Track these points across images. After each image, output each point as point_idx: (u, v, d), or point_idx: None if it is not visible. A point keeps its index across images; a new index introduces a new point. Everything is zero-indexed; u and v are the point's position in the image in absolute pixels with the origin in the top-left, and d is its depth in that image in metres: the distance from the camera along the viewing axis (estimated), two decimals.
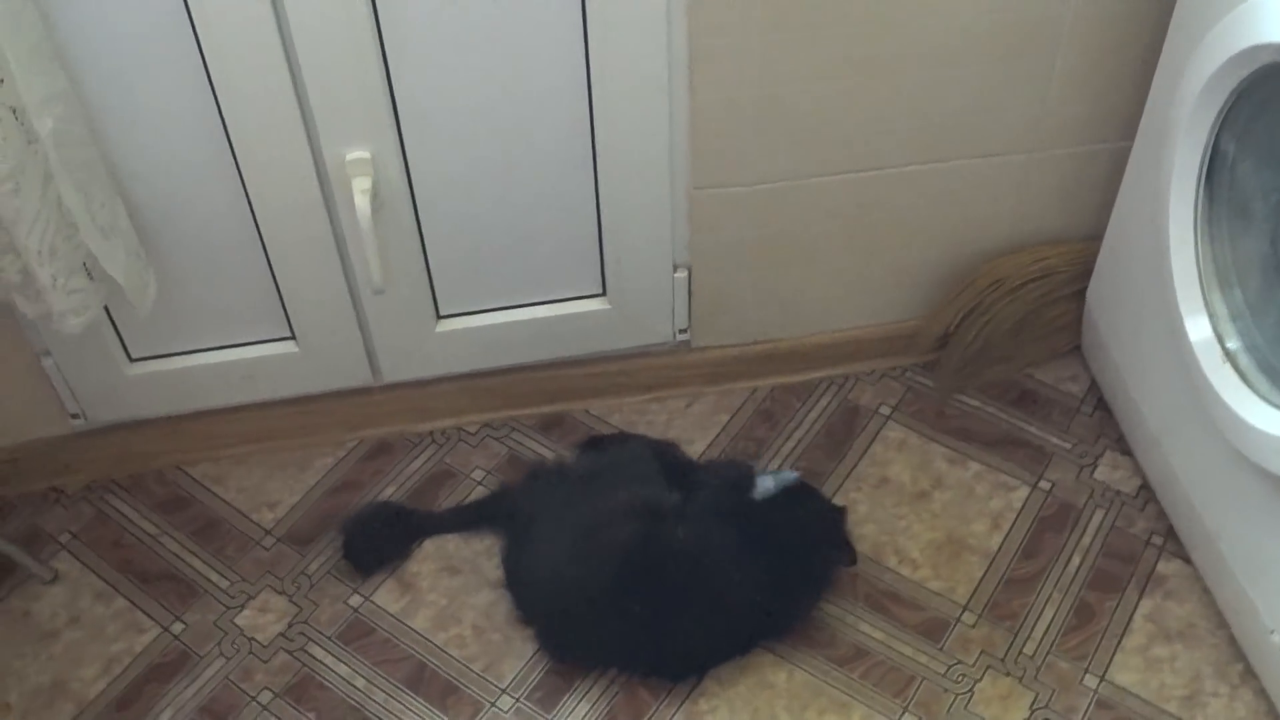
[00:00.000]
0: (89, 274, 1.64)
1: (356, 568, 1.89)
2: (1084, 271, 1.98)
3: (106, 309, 1.82)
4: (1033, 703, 1.73)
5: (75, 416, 1.96)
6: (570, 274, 1.92)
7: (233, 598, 1.88)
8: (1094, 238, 1.94)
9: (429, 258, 1.85)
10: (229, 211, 1.74)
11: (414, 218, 1.80)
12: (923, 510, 1.93)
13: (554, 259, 1.90)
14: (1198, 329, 1.62)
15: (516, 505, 1.85)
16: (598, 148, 1.75)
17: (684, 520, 1.75)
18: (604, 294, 1.96)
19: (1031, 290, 1.97)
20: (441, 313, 1.93)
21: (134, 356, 1.91)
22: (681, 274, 1.94)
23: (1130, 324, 1.88)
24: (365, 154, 1.69)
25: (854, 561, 1.81)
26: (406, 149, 1.72)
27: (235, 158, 1.68)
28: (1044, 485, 1.96)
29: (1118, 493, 1.94)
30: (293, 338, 1.91)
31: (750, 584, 1.71)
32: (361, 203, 1.69)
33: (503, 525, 1.86)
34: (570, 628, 1.75)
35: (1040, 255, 1.98)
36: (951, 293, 2.00)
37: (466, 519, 1.92)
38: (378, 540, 1.90)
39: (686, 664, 1.74)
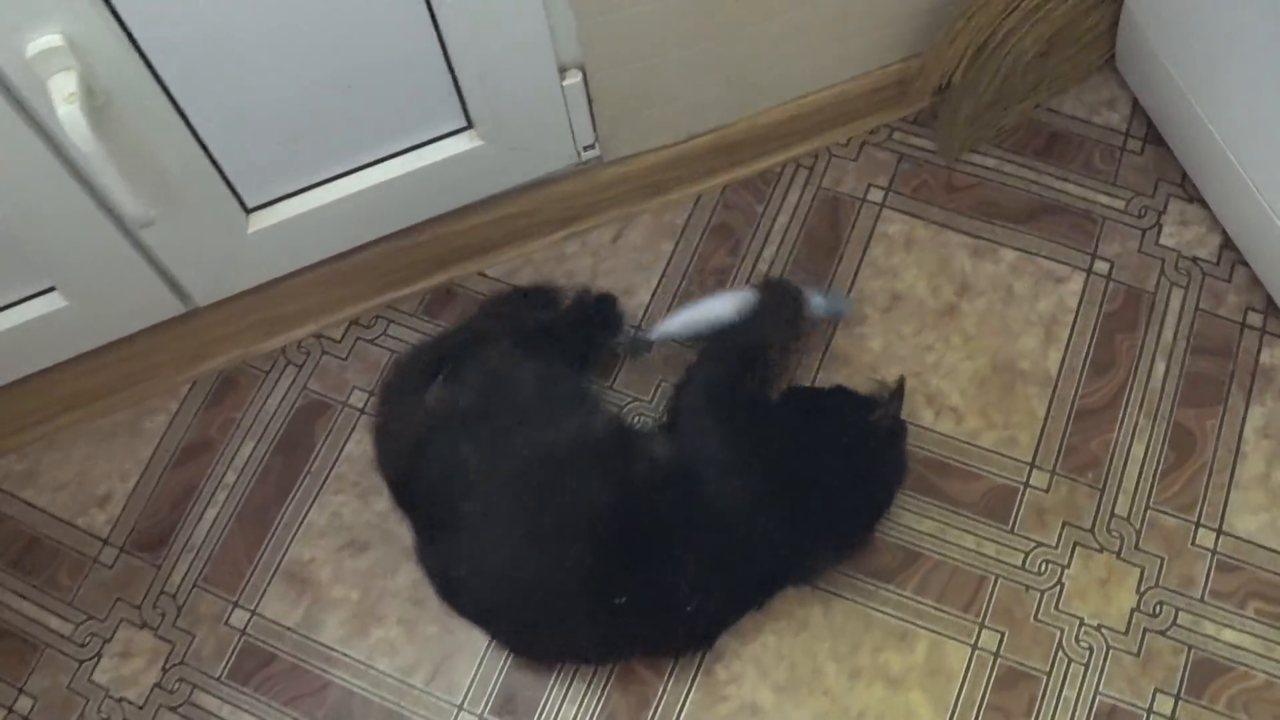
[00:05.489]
0: None
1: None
2: None
3: None
4: (1139, 582, 1.34)
5: None
6: (416, 111, 1.34)
7: (82, 646, 1.40)
8: None
9: (209, 148, 1.26)
10: None
11: (168, 103, 1.19)
12: (953, 331, 1.46)
13: (387, 98, 1.30)
14: None
15: (419, 485, 1.31)
16: None
17: (663, 439, 1.29)
18: (470, 126, 1.38)
19: (1060, 3, 1.41)
20: (250, 205, 1.35)
21: None
22: (574, 77, 1.36)
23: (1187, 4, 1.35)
24: (56, 39, 1.07)
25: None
26: (120, 12, 1.09)
27: None
28: (1101, 267, 1.48)
29: (1195, 260, 1.48)
30: (54, 289, 1.34)
31: (769, 519, 1.26)
32: (68, 112, 1.08)
33: (409, 513, 1.35)
34: (534, 632, 1.30)
35: None
36: (952, 22, 1.43)
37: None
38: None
39: (689, 637, 1.32)
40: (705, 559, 1.23)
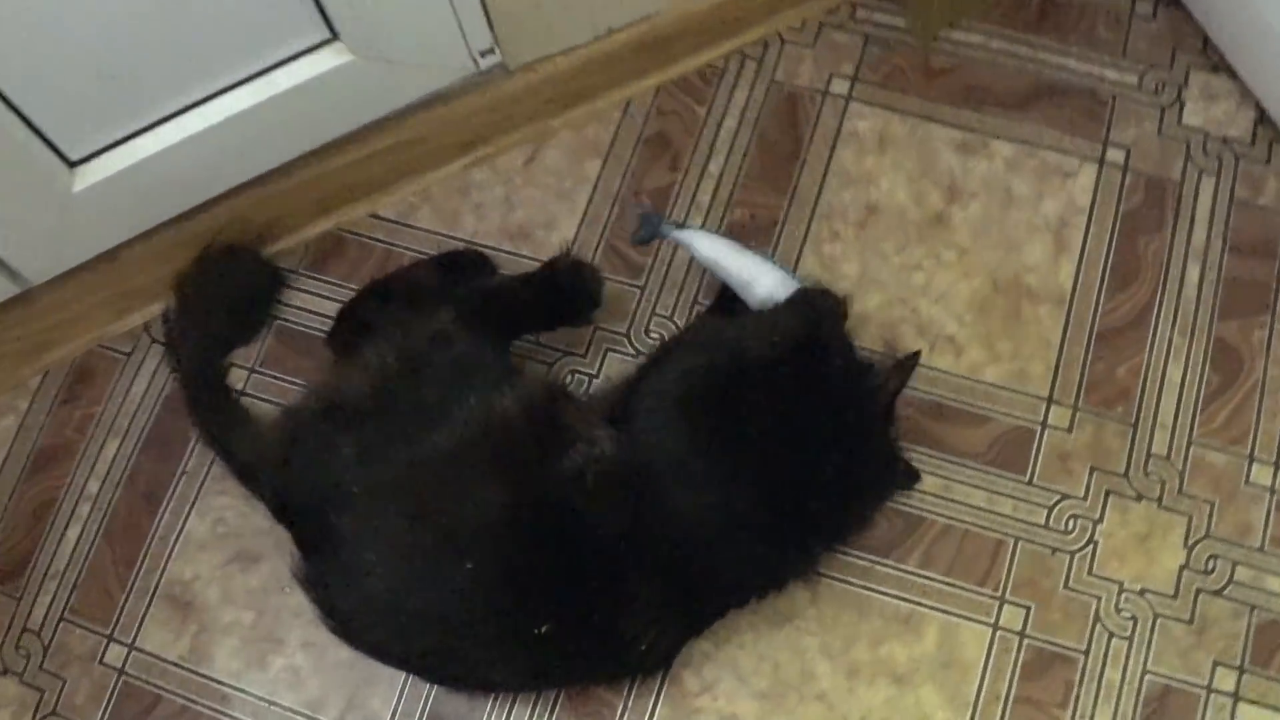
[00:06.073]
0: None
1: None
2: None
3: None
4: (1186, 534, 1.12)
5: None
6: (264, 24, 1.08)
7: None
8: None
9: (4, 92, 1.00)
10: None
11: None
12: (943, 245, 1.22)
13: (223, 10, 1.05)
14: None
15: (301, 504, 1.06)
16: None
17: (609, 433, 1.03)
18: (335, 37, 1.12)
19: None
20: (73, 158, 1.10)
21: None
22: None
23: None
24: None
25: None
26: None
27: None
28: (1115, 156, 1.24)
29: (1225, 140, 1.23)
30: None
31: (745, 535, 1.02)
32: None
33: (295, 533, 1.10)
34: (443, 665, 1.06)
35: None
36: None
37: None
38: None
39: (643, 658, 1.08)
40: (660, 581, 1.00)
